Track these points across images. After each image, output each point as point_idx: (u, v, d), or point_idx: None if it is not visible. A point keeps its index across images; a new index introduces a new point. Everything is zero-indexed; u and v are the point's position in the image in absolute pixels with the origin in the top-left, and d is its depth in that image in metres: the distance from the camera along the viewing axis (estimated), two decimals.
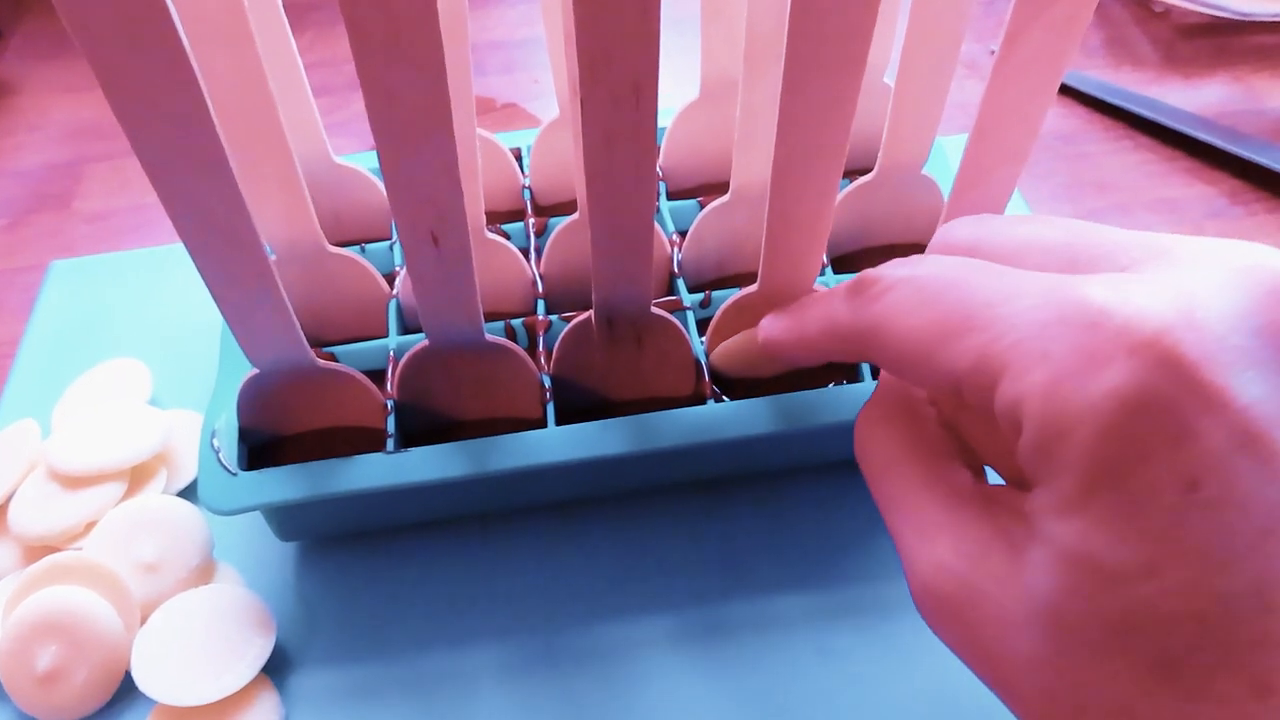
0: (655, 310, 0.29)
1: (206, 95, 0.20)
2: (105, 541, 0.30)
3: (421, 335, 0.31)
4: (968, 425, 0.22)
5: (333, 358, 0.31)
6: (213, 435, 0.29)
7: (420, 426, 0.31)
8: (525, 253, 0.34)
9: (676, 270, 0.33)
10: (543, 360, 0.31)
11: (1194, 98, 0.48)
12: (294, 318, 0.26)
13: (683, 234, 0.34)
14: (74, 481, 0.31)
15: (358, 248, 0.34)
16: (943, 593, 0.19)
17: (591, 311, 0.29)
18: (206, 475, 0.28)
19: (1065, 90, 0.49)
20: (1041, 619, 0.17)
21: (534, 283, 0.33)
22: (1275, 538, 0.15)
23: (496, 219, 0.36)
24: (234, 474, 0.28)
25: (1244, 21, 0.52)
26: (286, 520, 0.31)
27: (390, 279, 0.33)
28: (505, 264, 0.33)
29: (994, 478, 0.21)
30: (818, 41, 0.22)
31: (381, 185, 0.36)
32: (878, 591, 0.31)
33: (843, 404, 0.29)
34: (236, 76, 0.25)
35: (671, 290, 0.33)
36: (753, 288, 0.29)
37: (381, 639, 0.30)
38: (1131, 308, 0.16)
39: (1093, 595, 0.16)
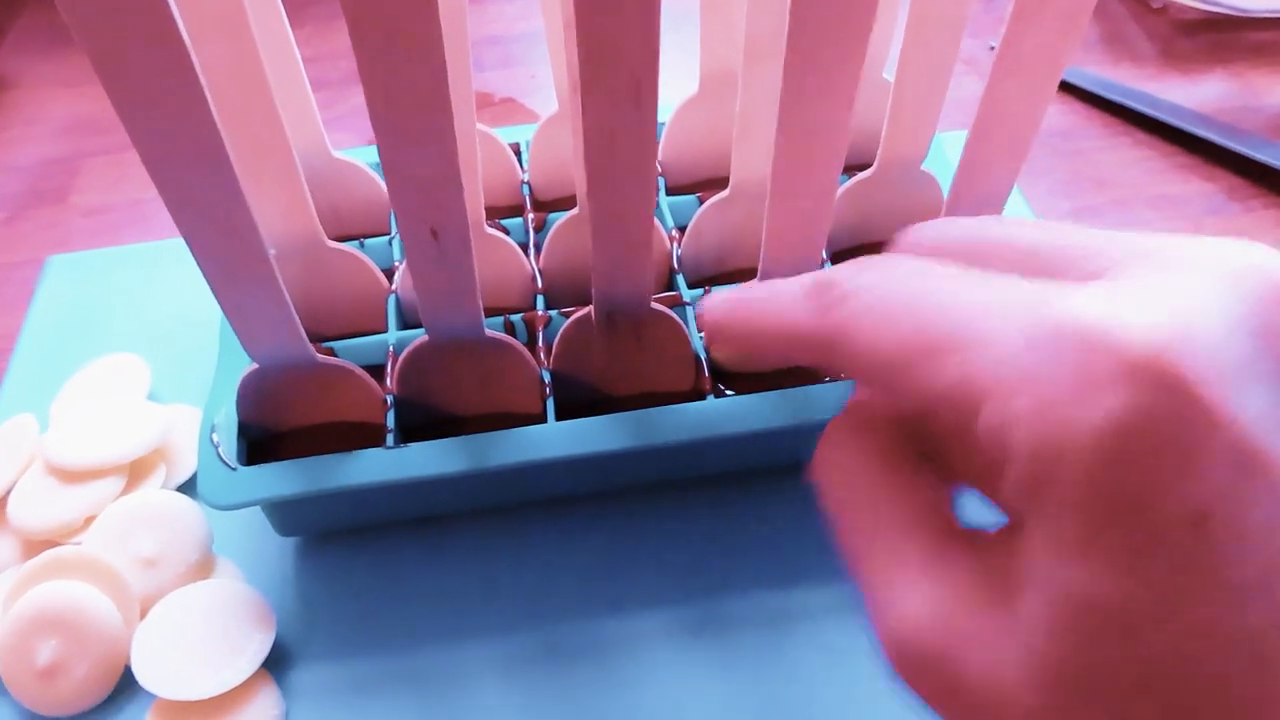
0: (655, 306, 0.29)
1: (206, 89, 0.20)
2: (104, 536, 0.30)
3: (421, 330, 0.31)
4: (944, 444, 0.20)
5: (332, 353, 0.31)
6: (212, 430, 0.29)
7: (419, 421, 0.31)
8: (524, 248, 0.34)
9: (676, 266, 0.33)
10: (542, 355, 0.31)
11: (1192, 94, 0.49)
12: (293, 312, 0.26)
13: (682, 229, 0.34)
14: (73, 476, 0.31)
15: (356, 242, 0.34)
16: (923, 647, 0.17)
17: (591, 307, 0.29)
18: (206, 470, 0.28)
19: (1064, 86, 0.49)
20: (1043, 673, 0.15)
21: (533, 278, 0.33)
22: None
23: (495, 214, 0.36)
24: (233, 469, 0.28)
25: (1242, 18, 0.52)
26: (286, 515, 0.31)
27: (389, 274, 0.33)
28: (504, 259, 0.33)
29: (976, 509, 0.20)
30: (818, 36, 0.22)
31: (380, 180, 0.36)
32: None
33: (843, 398, 0.29)
34: (235, 70, 0.25)
35: (671, 286, 0.33)
36: (752, 283, 0.29)
37: (381, 634, 0.30)
38: (1125, 324, 0.14)
39: (1104, 644, 0.14)
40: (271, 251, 0.28)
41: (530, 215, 0.35)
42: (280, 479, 0.28)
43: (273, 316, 0.26)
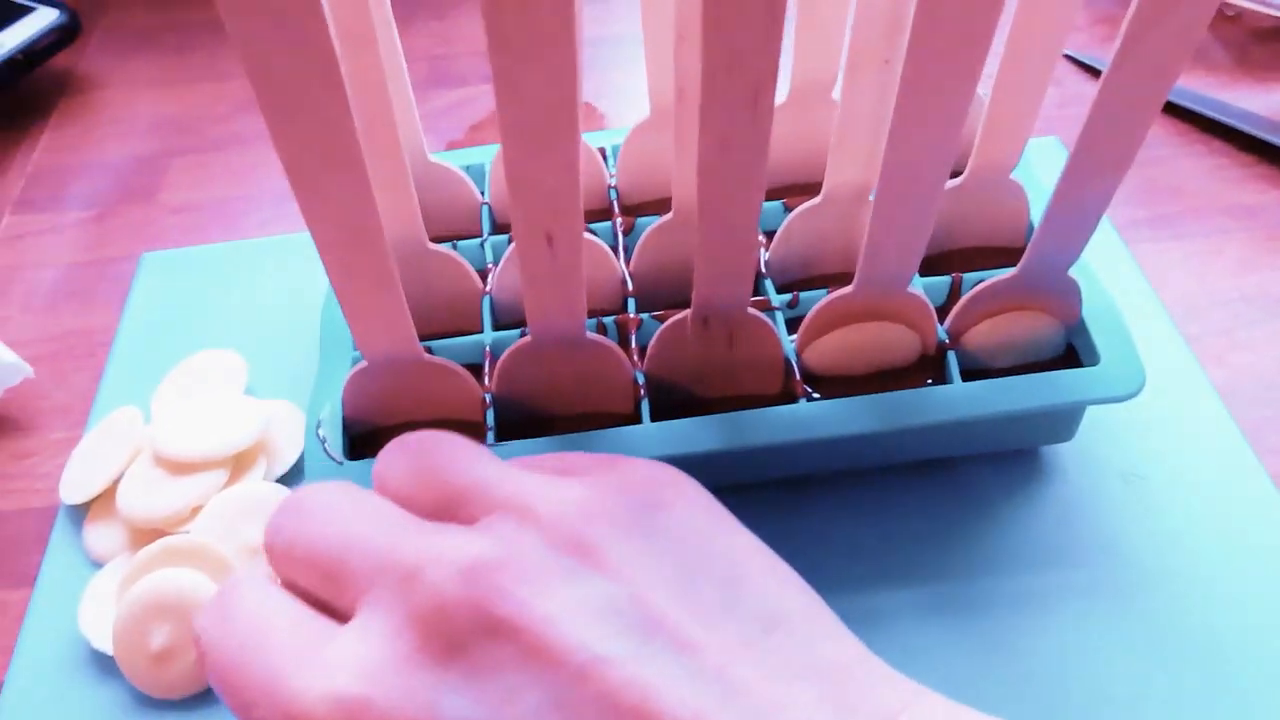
0: (749, 310, 0.30)
1: (349, 94, 0.21)
2: (211, 526, 0.31)
3: (514, 331, 0.32)
4: None
5: (430, 352, 0.31)
6: (318, 425, 0.30)
7: (514, 419, 0.31)
8: (613, 251, 0.34)
9: (764, 270, 0.34)
10: (634, 357, 0.31)
11: (1267, 101, 0.48)
12: (408, 314, 0.27)
13: (768, 235, 0.35)
14: (180, 467, 0.32)
15: (449, 244, 0.35)
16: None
17: (688, 311, 0.29)
18: (313, 465, 0.29)
19: None
20: None
21: (623, 281, 0.34)
22: None
23: (585, 218, 0.37)
24: (340, 463, 0.29)
25: None
26: None
27: (482, 275, 0.34)
28: (597, 262, 0.33)
29: None
30: (938, 49, 0.22)
31: (471, 183, 0.36)
32: (963, 589, 0.31)
33: (933, 403, 0.30)
34: (360, 76, 0.26)
35: (759, 290, 0.34)
36: (848, 289, 0.29)
37: None
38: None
39: None
40: None
41: (619, 219, 0.36)
42: None
43: (389, 317, 0.26)
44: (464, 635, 0.18)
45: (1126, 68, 0.23)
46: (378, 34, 0.27)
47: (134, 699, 0.29)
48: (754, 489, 0.34)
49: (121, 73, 0.55)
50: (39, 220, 0.46)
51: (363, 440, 0.31)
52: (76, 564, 0.33)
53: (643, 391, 0.30)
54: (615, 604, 0.19)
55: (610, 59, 0.54)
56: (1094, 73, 0.51)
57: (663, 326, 0.30)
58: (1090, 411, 0.33)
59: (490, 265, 0.35)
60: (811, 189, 0.33)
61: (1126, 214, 0.43)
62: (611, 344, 0.30)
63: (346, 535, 0.21)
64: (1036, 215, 0.34)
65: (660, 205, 0.37)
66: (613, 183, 0.37)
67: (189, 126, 0.51)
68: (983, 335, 0.31)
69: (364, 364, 0.29)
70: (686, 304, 0.29)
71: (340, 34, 0.25)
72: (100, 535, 0.33)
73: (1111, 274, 0.39)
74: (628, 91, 0.52)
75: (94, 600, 0.31)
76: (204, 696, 0.29)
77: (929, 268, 0.35)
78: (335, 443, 0.30)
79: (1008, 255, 0.33)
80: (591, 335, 0.29)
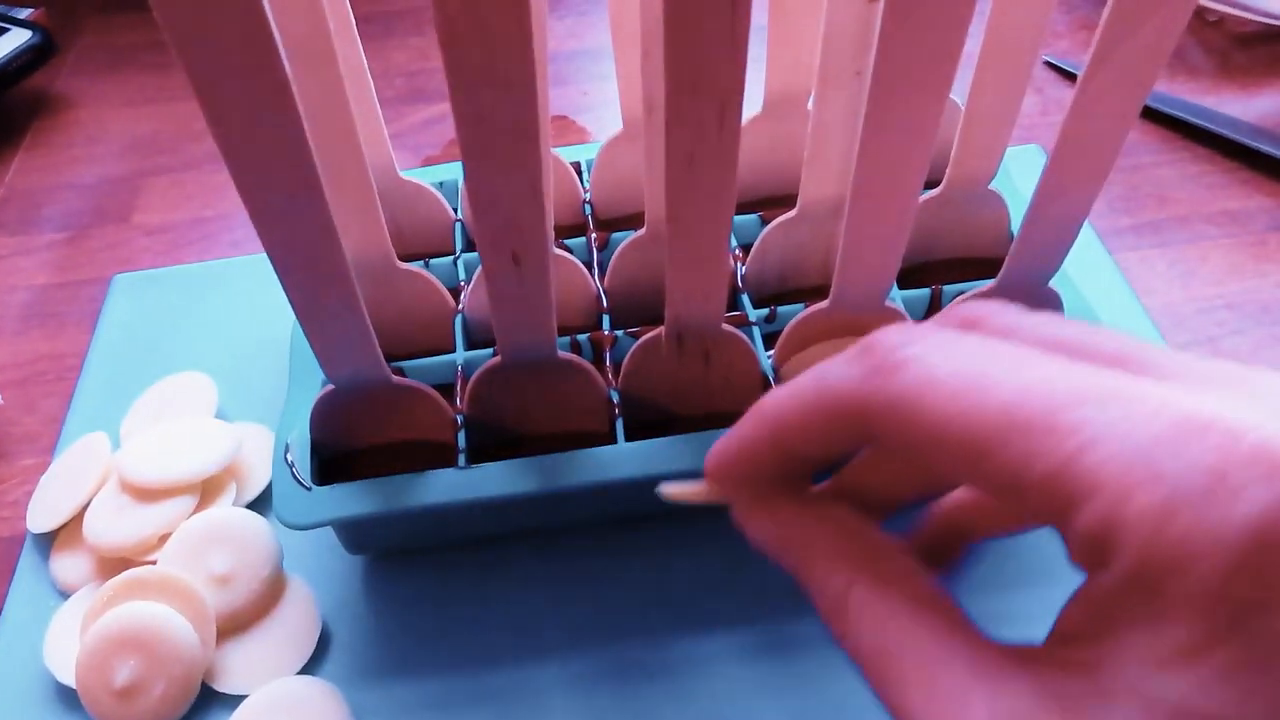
0: (725, 326, 0.29)
1: (302, 112, 0.20)
2: (179, 554, 0.30)
3: (488, 351, 0.32)
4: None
5: (401, 372, 0.31)
6: (286, 450, 0.29)
7: (486, 441, 0.31)
8: (588, 267, 0.34)
9: (740, 285, 0.33)
10: (609, 375, 0.31)
11: (1251, 108, 0.48)
12: (373, 335, 0.26)
13: (744, 248, 0.34)
14: (147, 494, 0.32)
15: (420, 262, 0.35)
16: None
17: (661, 328, 0.29)
18: (281, 490, 0.28)
19: None
20: None
21: (598, 297, 0.33)
22: None
23: (558, 233, 0.36)
24: (309, 489, 0.28)
25: None
26: (357, 534, 0.31)
27: (454, 293, 0.34)
28: (570, 279, 0.33)
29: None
30: (906, 60, 0.22)
31: (444, 200, 0.36)
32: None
33: None
34: (319, 93, 0.25)
35: (735, 305, 0.33)
36: (823, 303, 0.29)
37: (449, 652, 0.30)
38: (1262, 429, 0.14)
39: None
40: None
41: (593, 235, 0.35)
42: (356, 498, 0.28)
43: (353, 339, 0.26)
44: None
45: (1102, 74, 0.23)
46: (340, 49, 0.27)
47: None
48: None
49: (96, 92, 0.54)
50: (10, 243, 0.46)
51: (332, 464, 0.31)
52: (43, 594, 0.32)
53: (617, 410, 0.30)
54: None
55: (589, 72, 0.53)
56: (1075, 79, 0.51)
57: (637, 344, 0.30)
58: None
59: (463, 283, 0.34)
60: (788, 201, 0.33)
61: (1109, 222, 0.43)
62: (584, 363, 0.29)
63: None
64: (1017, 225, 0.34)
65: (636, 220, 0.36)
66: (587, 198, 0.37)
67: (164, 145, 0.50)
68: None
69: (331, 387, 0.28)
70: (662, 320, 0.29)
71: (295, 52, 0.24)
72: (67, 564, 0.32)
73: (1094, 282, 0.38)
74: (607, 104, 0.51)
75: (59, 632, 0.30)
76: None
77: (909, 280, 0.35)
78: (303, 467, 0.29)
79: (988, 266, 0.33)
80: (564, 354, 0.29)
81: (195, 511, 0.32)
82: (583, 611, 0.31)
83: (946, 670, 0.16)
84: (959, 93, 0.32)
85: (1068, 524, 0.15)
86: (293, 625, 0.30)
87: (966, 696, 0.15)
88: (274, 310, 0.38)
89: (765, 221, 0.34)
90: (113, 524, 0.31)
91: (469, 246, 0.36)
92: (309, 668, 0.30)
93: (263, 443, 0.35)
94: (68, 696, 0.29)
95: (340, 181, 0.28)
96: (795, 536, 0.19)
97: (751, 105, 0.35)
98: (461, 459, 0.29)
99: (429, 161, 0.48)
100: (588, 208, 0.36)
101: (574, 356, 0.29)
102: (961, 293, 0.30)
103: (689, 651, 0.30)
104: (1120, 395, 0.15)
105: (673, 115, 0.22)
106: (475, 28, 0.19)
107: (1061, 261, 0.29)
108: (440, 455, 0.30)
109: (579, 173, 0.37)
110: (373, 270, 0.31)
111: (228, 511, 0.32)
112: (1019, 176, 0.36)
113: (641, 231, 0.32)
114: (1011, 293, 0.29)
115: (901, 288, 0.33)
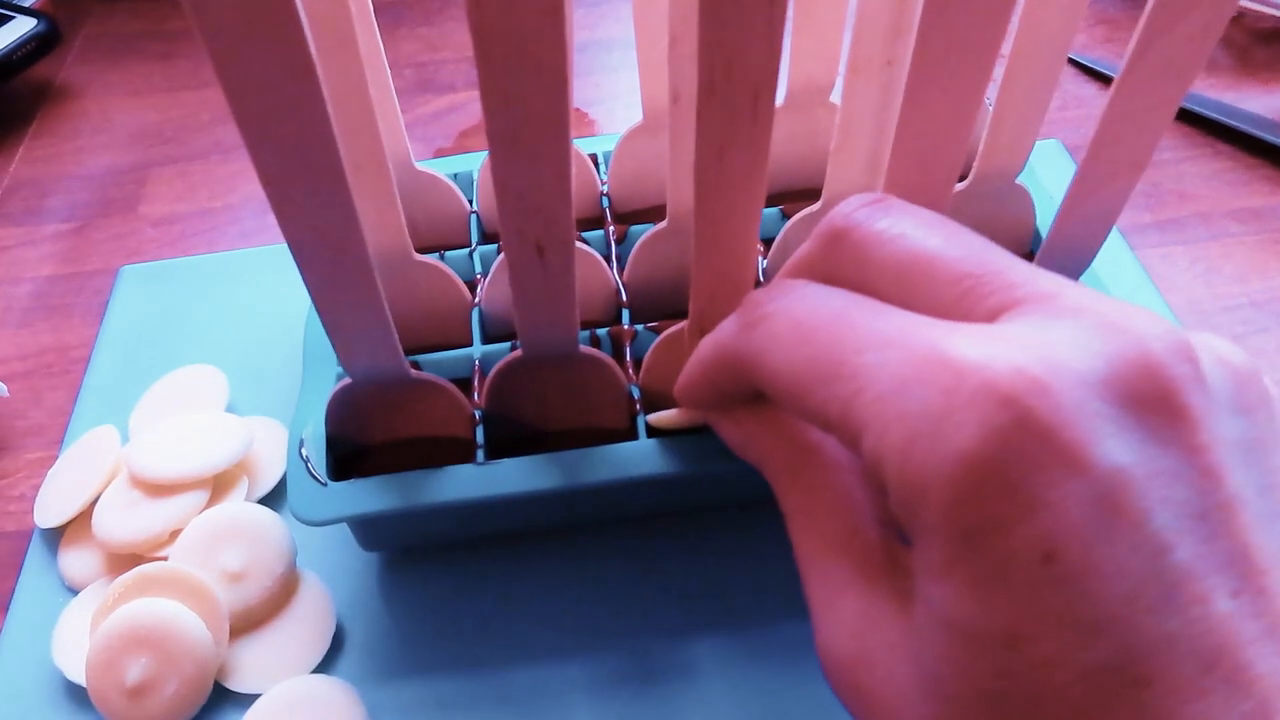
0: None
1: (328, 99, 0.19)
2: (190, 550, 0.30)
3: (505, 344, 0.31)
4: None
5: (416, 366, 0.30)
6: (300, 444, 0.29)
7: (504, 436, 0.30)
8: (606, 260, 0.33)
9: (762, 279, 0.33)
10: (630, 370, 0.30)
11: (1272, 103, 0.47)
12: (393, 328, 0.25)
13: (766, 243, 0.34)
14: (158, 489, 0.31)
15: (436, 255, 0.34)
16: (841, 657, 0.18)
17: (685, 322, 0.28)
18: (296, 485, 0.28)
19: None
20: (926, 685, 0.16)
21: (616, 291, 0.33)
22: (1140, 607, 0.14)
23: (576, 226, 0.35)
24: (324, 484, 0.28)
25: None
26: (373, 530, 0.31)
27: (470, 286, 0.33)
28: (590, 273, 0.32)
29: None
30: (946, 49, 0.21)
31: (459, 192, 0.35)
32: None
33: None
34: (340, 81, 0.25)
35: None
36: None
37: (466, 651, 0.30)
38: (991, 367, 0.15)
39: (966, 663, 0.15)
40: None
41: (611, 228, 0.35)
42: (372, 494, 0.27)
43: (373, 332, 0.25)
44: (1147, 398, 0.16)
45: (1140, 71, 0.22)
46: (359, 37, 0.26)
47: None
48: (762, 506, 0.33)
49: (102, 82, 0.54)
50: (15, 234, 0.45)
51: (348, 459, 0.30)
52: (51, 590, 0.32)
53: (639, 406, 0.29)
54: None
55: (601, 63, 0.53)
56: (1093, 74, 0.50)
57: (658, 339, 0.29)
58: None
59: (479, 276, 0.34)
60: (810, 195, 0.32)
61: (1132, 219, 0.42)
62: (606, 357, 0.29)
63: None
64: (1041, 219, 0.33)
65: (654, 213, 0.36)
66: (605, 190, 0.36)
67: (170, 135, 0.50)
68: None
69: (348, 380, 0.28)
70: (683, 314, 0.28)
71: (318, 37, 0.24)
72: (76, 560, 0.32)
73: (1119, 280, 0.38)
74: (619, 96, 0.51)
75: (68, 629, 0.30)
76: None
77: None
78: (319, 462, 0.28)
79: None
80: (585, 349, 0.28)
81: (207, 507, 0.31)
82: (603, 610, 0.31)
83: (838, 563, 0.19)
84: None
85: (860, 456, 0.17)
86: (307, 623, 0.30)
87: (844, 590, 0.19)
88: (285, 302, 0.38)
89: (787, 216, 0.34)
90: (122, 519, 0.31)
91: (485, 239, 0.35)
92: (324, 666, 0.29)
93: (275, 437, 0.34)
94: (77, 694, 0.29)
95: (358, 170, 0.27)
96: (753, 443, 0.23)
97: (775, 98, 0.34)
98: (480, 454, 0.28)
99: (440, 153, 0.48)
100: (605, 200, 0.36)
101: (596, 351, 0.29)
102: None
103: (713, 652, 0.30)
104: (892, 342, 0.17)
105: (704, 102, 0.21)
106: (506, 7, 0.18)
107: (1093, 258, 0.29)
108: (457, 451, 0.29)
109: (596, 165, 0.37)
110: (389, 261, 0.30)
111: (241, 507, 0.31)
112: (1041, 170, 0.35)
113: (663, 224, 0.31)
114: None
115: None
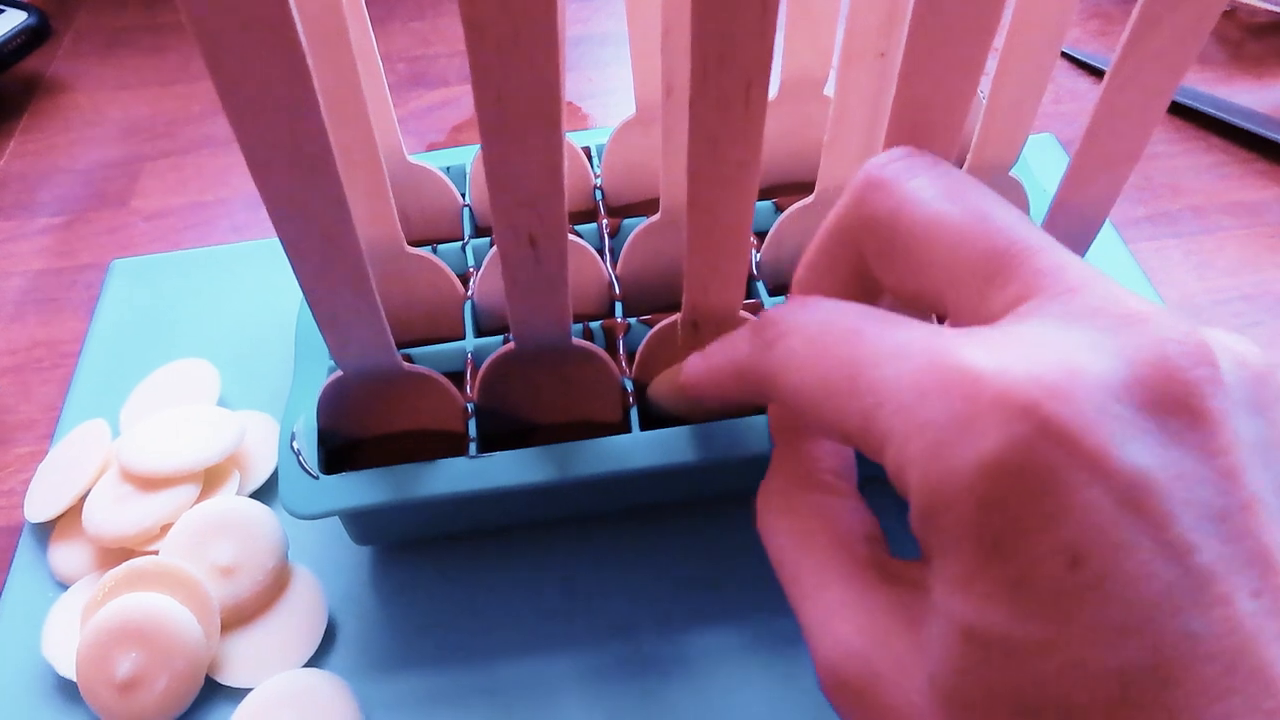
0: (743, 314, 0.28)
1: (319, 92, 0.19)
2: (181, 544, 0.30)
3: (496, 338, 0.31)
4: None
5: (409, 359, 0.30)
6: (292, 438, 0.28)
7: (496, 429, 0.30)
8: (599, 253, 0.33)
9: (755, 272, 0.33)
10: (623, 363, 0.30)
11: (1265, 97, 0.48)
12: (385, 321, 0.25)
13: (759, 235, 0.33)
14: (149, 483, 0.31)
15: (429, 248, 0.34)
16: (845, 676, 0.18)
17: (678, 315, 0.28)
18: (288, 479, 0.28)
19: None
20: (942, 699, 0.16)
21: (610, 284, 0.33)
22: (1166, 609, 0.14)
23: (569, 219, 0.35)
24: (316, 478, 0.28)
25: None
26: (364, 524, 0.31)
27: (463, 279, 0.33)
28: (582, 266, 0.32)
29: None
30: (938, 40, 0.21)
31: (452, 185, 0.35)
32: None
33: None
34: (332, 75, 0.25)
35: (750, 293, 0.33)
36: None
37: (459, 645, 0.30)
38: (1009, 375, 0.15)
39: (990, 673, 0.15)
40: None
41: (605, 221, 0.34)
42: (364, 487, 0.27)
43: (365, 325, 0.25)
44: (1167, 401, 0.16)
45: (1132, 64, 0.22)
46: (351, 30, 0.26)
47: None
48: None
49: (93, 75, 0.53)
50: (5, 228, 0.45)
51: (339, 453, 0.30)
52: (41, 585, 0.31)
53: (632, 399, 0.29)
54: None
55: (593, 57, 0.52)
56: (1086, 68, 0.50)
57: (651, 332, 0.29)
58: None
59: (472, 269, 0.34)
60: (803, 188, 0.32)
61: (1125, 212, 0.43)
62: (599, 350, 0.29)
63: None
64: (1034, 212, 0.33)
65: (647, 206, 0.36)
66: (598, 183, 0.36)
67: (162, 129, 0.50)
68: None
69: (339, 374, 0.28)
70: (676, 307, 0.28)
71: (310, 30, 0.23)
72: (66, 555, 0.31)
73: (1111, 273, 0.37)
74: (612, 91, 0.51)
75: (58, 624, 0.30)
76: None
77: None
78: (310, 456, 0.28)
79: None
80: (578, 341, 0.28)
81: (198, 501, 0.31)
82: (595, 604, 0.31)
83: (834, 580, 0.19)
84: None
85: (884, 468, 0.17)
86: (299, 617, 0.30)
87: (844, 607, 0.19)
88: (276, 296, 0.38)
89: (780, 209, 0.34)
90: (113, 513, 0.31)
91: (477, 232, 0.35)
92: (315, 660, 0.29)
93: (266, 431, 0.34)
94: (67, 689, 0.29)
95: (350, 163, 0.27)
96: None
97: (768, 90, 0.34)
98: (472, 448, 0.28)
99: (433, 147, 0.48)
100: (598, 193, 0.36)
101: (588, 344, 0.29)
102: None
103: (704, 644, 0.29)
104: (909, 353, 0.17)
105: (697, 93, 0.21)
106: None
107: (1086, 252, 0.28)
108: (449, 444, 0.29)
109: (589, 158, 0.37)
110: (382, 254, 0.30)
111: (232, 501, 0.31)
112: (1034, 164, 0.35)
113: (656, 217, 0.31)
114: None
115: None
